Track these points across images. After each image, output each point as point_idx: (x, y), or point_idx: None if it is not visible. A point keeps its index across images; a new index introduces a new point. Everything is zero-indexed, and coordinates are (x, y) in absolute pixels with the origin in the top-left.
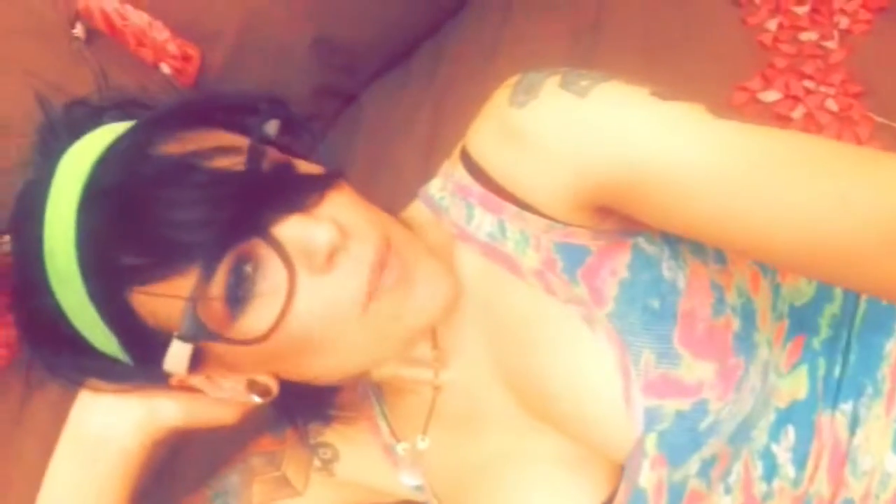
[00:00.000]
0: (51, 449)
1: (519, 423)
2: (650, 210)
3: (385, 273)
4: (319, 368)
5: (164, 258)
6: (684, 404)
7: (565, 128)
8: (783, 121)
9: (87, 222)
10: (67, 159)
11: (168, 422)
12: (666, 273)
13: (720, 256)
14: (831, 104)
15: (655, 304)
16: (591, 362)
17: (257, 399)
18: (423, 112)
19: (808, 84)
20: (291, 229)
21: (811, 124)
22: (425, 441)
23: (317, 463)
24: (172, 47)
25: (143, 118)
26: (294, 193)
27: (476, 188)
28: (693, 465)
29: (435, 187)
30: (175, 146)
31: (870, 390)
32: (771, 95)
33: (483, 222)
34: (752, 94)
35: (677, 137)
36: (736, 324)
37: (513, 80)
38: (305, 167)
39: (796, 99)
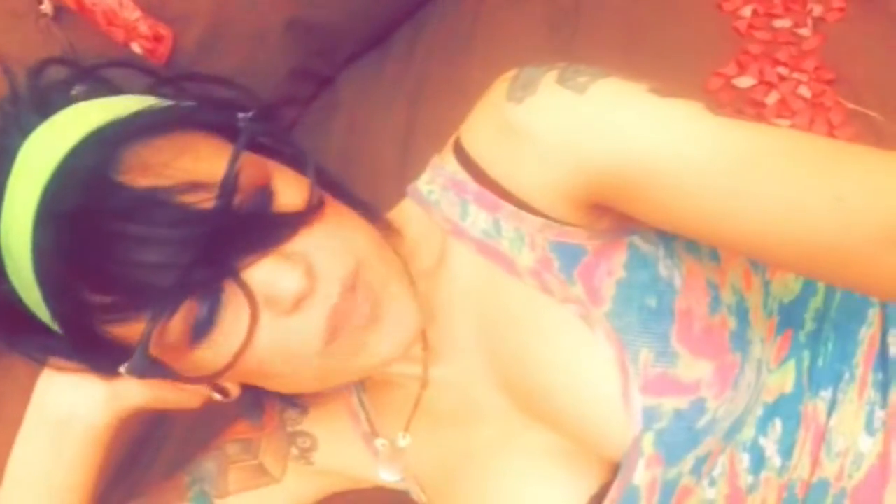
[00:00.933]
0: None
1: (509, 418)
2: (646, 207)
3: (350, 315)
4: (280, 388)
5: (123, 300)
6: (682, 403)
7: (563, 124)
8: (757, 106)
9: (44, 243)
10: (30, 148)
11: (133, 401)
12: (662, 272)
13: (714, 254)
14: (804, 90)
15: (653, 302)
16: (590, 361)
17: (217, 397)
18: (400, 95)
19: (782, 70)
20: (260, 273)
21: (784, 110)
22: (406, 438)
23: (294, 451)
24: (144, 27)
25: (109, 123)
26: (266, 233)
27: (471, 185)
28: (688, 462)
29: (424, 181)
30: (139, 171)
31: (847, 376)
32: (745, 81)
33: (478, 219)
34: (727, 79)
35: (675, 134)
36: (731, 322)
37: (510, 74)
38: (286, 185)
39: (770, 85)
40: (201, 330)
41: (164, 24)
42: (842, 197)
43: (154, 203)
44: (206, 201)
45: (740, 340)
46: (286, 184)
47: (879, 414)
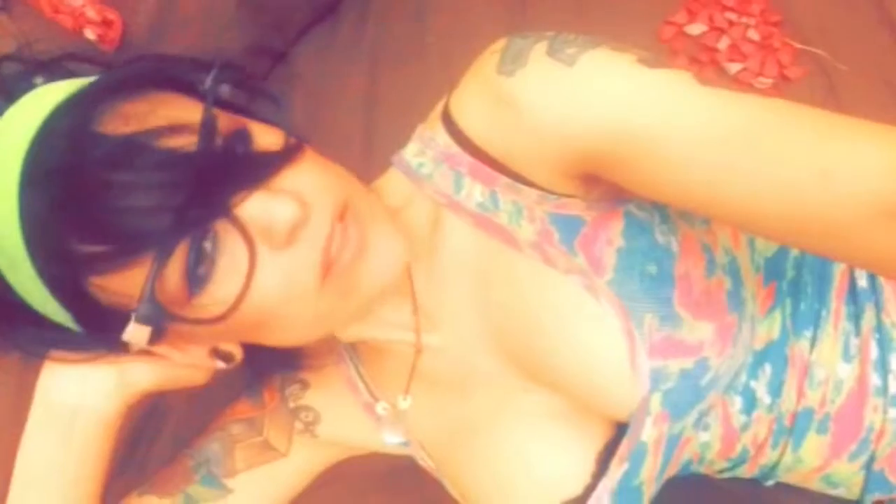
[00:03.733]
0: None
1: (507, 383)
2: (636, 178)
3: (342, 246)
4: (280, 337)
5: (119, 247)
6: (687, 363)
7: (554, 96)
8: (710, 52)
9: (32, 206)
10: (4, 125)
11: (140, 385)
12: (659, 238)
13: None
14: (753, 34)
15: (653, 269)
16: (597, 330)
17: (221, 364)
18: (356, 64)
19: (730, 16)
20: (252, 207)
21: (736, 54)
22: (407, 400)
23: (298, 426)
24: (91, 13)
25: (84, 86)
26: (252, 169)
27: (465, 157)
28: (692, 416)
29: (411, 153)
30: (121, 122)
31: (824, 314)
32: (696, 28)
33: (473, 192)
34: (678, 27)
35: (664, 106)
36: (727, 282)
37: (498, 45)
38: (262, 132)
39: (720, 30)
40: (200, 274)
41: (112, 8)
42: (828, 170)
43: (138, 148)
44: (188, 144)
45: (736, 300)
46: (262, 132)
47: (854, 342)
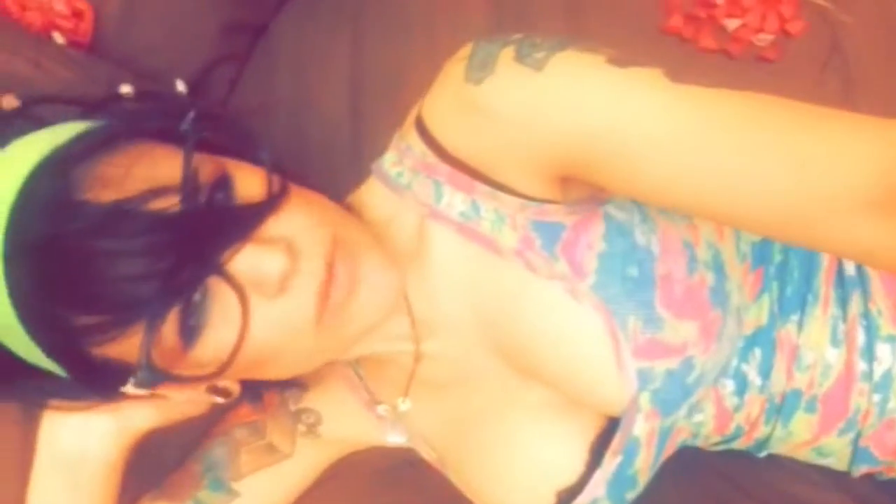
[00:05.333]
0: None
1: (506, 379)
2: (613, 179)
3: (334, 287)
4: (278, 374)
5: (112, 318)
6: (673, 363)
7: (524, 103)
8: (708, 7)
9: (18, 280)
10: None
11: (141, 426)
12: (640, 239)
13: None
14: None
15: (634, 271)
16: (581, 332)
17: (220, 400)
18: (341, 32)
19: None
20: (242, 263)
21: (735, 8)
22: (406, 403)
23: (301, 427)
24: (60, 5)
25: (59, 148)
26: (238, 223)
27: (443, 167)
28: (682, 410)
29: (389, 162)
30: (99, 186)
31: (810, 298)
32: None
33: (454, 201)
34: None
35: (634, 105)
36: (710, 278)
37: (465, 52)
38: (243, 174)
39: None
40: (193, 331)
41: None
42: (805, 164)
43: (122, 215)
44: (171, 205)
45: (720, 295)
46: (243, 175)
47: (842, 327)
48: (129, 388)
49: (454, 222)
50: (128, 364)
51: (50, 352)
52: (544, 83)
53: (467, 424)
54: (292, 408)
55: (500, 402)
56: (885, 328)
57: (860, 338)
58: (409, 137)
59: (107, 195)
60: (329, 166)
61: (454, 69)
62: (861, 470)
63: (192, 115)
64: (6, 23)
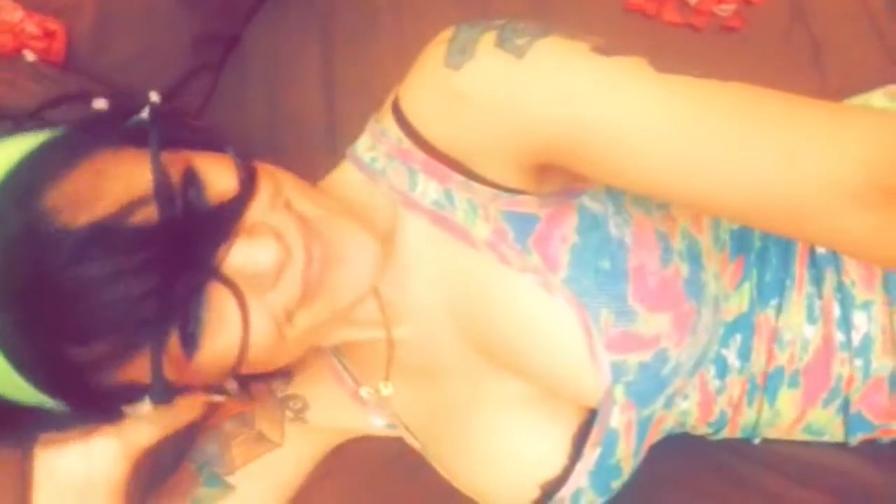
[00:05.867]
0: None
1: (480, 371)
2: (595, 168)
3: (311, 269)
4: (273, 365)
5: (118, 345)
6: (646, 356)
7: (505, 90)
8: None
9: (6, 324)
10: None
11: (143, 442)
12: (613, 231)
13: (662, 203)
14: None
15: (606, 264)
16: (553, 325)
17: (219, 398)
18: (311, 40)
19: None
20: (236, 260)
21: None
22: (388, 387)
23: (289, 414)
24: (31, 27)
25: (16, 169)
26: (220, 220)
27: (418, 154)
28: (659, 402)
29: (363, 147)
30: (69, 207)
31: (788, 282)
32: None
33: (428, 189)
34: None
35: (619, 95)
36: (684, 269)
37: (445, 35)
38: (209, 165)
39: None
40: (193, 338)
41: (52, 18)
42: (791, 156)
43: (103, 237)
44: (150, 217)
45: (694, 286)
46: (208, 164)
47: (818, 303)
48: (144, 408)
49: (427, 211)
50: (133, 384)
51: (53, 391)
52: (525, 70)
53: (447, 414)
54: (279, 395)
55: (477, 393)
56: (859, 297)
57: (836, 311)
58: (384, 121)
59: (81, 218)
60: (305, 168)
61: (433, 53)
62: (858, 438)
63: (147, 108)
64: None
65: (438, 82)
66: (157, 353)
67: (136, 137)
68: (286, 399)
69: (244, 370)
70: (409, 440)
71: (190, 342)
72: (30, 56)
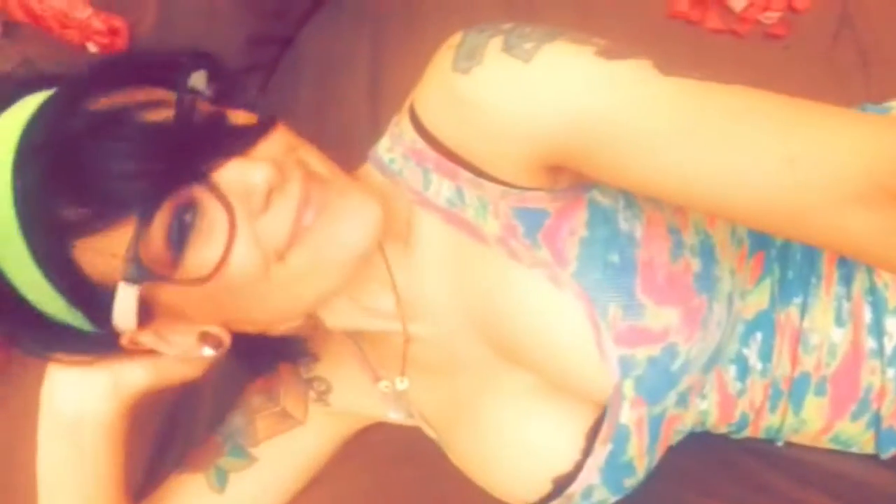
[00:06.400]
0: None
1: (495, 365)
2: (601, 170)
3: (307, 211)
4: (263, 314)
5: (102, 209)
6: (654, 350)
7: (512, 94)
8: None
9: (23, 181)
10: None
11: (136, 385)
12: (623, 225)
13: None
14: None
15: (615, 258)
16: (562, 321)
17: (210, 351)
18: (362, 47)
19: None
20: (230, 173)
21: None
22: (404, 382)
23: (312, 395)
24: (97, 23)
25: (69, 79)
26: (228, 139)
27: (430, 153)
28: (671, 399)
29: (384, 148)
30: (105, 102)
31: (814, 280)
32: None
33: (441, 188)
34: None
35: (623, 97)
36: (695, 264)
37: (454, 40)
38: (238, 116)
39: None
40: (181, 242)
41: (117, 15)
42: (794, 158)
43: (120, 118)
44: (167, 118)
45: (706, 281)
46: (236, 114)
47: (846, 306)
48: (120, 307)
49: (441, 209)
50: (118, 282)
51: (41, 256)
52: (532, 75)
53: (462, 408)
54: (304, 376)
55: (491, 387)
56: (893, 300)
57: (867, 315)
58: (402, 123)
59: (108, 105)
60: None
61: (443, 57)
62: (891, 452)
63: (199, 74)
64: (46, 37)
65: (447, 87)
66: (137, 230)
67: (182, 86)
68: (311, 380)
69: (226, 306)
70: (427, 431)
71: (177, 244)
72: (92, 48)
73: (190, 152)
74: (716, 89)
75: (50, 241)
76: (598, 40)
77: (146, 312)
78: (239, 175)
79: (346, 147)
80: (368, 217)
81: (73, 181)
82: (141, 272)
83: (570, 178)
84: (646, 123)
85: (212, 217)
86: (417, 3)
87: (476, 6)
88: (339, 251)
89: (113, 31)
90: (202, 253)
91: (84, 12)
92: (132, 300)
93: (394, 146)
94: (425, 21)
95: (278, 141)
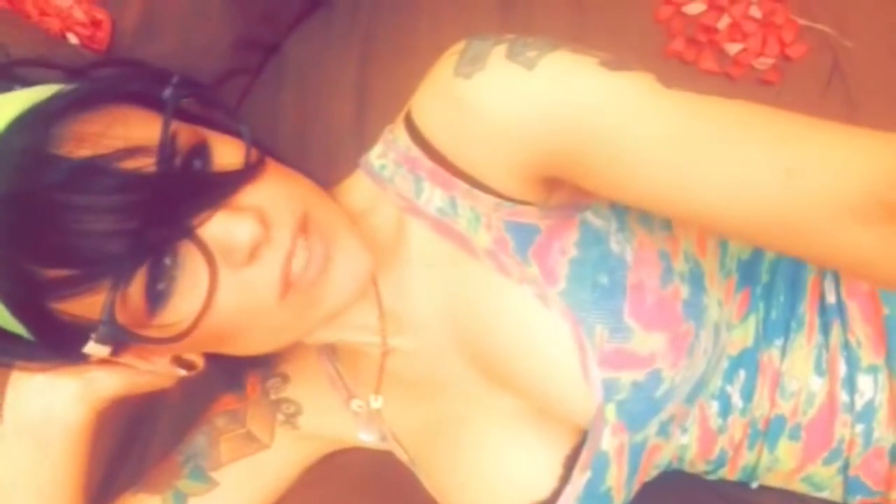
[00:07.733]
0: None
1: (477, 386)
2: (598, 182)
3: (308, 261)
4: (242, 349)
5: (78, 273)
6: (639, 375)
7: (513, 101)
8: (709, 32)
9: None
10: None
11: (105, 392)
12: (614, 247)
13: (666, 223)
14: (755, 11)
15: (604, 280)
16: (548, 340)
17: (183, 373)
18: (350, 55)
19: None
20: (214, 228)
21: (737, 33)
22: (378, 400)
23: (280, 417)
24: (79, 13)
25: (39, 103)
26: (212, 189)
27: (425, 161)
28: (653, 427)
29: (375, 155)
30: (75, 143)
31: (794, 325)
32: (695, 7)
33: (433, 197)
34: (677, 7)
35: (625, 110)
36: (684, 290)
37: (458, 47)
38: (222, 145)
39: (720, 9)
40: (160, 293)
41: (100, 7)
42: (791, 171)
43: (95, 171)
44: (146, 166)
45: (694, 308)
46: (222, 145)
47: (825, 355)
48: (91, 347)
49: (431, 218)
50: (91, 323)
51: (14, 307)
52: (534, 82)
53: (439, 428)
54: (272, 397)
55: (470, 408)
56: (865, 359)
57: (842, 368)
58: (397, 130)
59: (82, 152)
60: (329, 177)
61: (445, 63)
62: (856, 500)
63: (174, 80)
64: (24, 24)
65: (448, 91)
66: (113, 291)
67: (159, 102)
68: (280, 402)
69: (208, 344)
70: (399, 454)
71: (155, 298)
72: (72, 39)
73: (172, 207)
74: (717, 102)
75: (20, 296)
76: (601, 53)
77: (119, 346)
78: (223, 231)
79: (330, 156)
80: (358, 269)
81: (44, 240)
82: (115, 333)
83: (564, 195)
84: (644, 132)
85: (192, 269)
86: (409, 18)
87: (467, 17)
88: (325, 303)
89: (95, 23)
90: (182, 305)
91: (65, 1)
92: (104, 349)
93: (386, 152)
94: (416, 32)
95: (267, 184)
